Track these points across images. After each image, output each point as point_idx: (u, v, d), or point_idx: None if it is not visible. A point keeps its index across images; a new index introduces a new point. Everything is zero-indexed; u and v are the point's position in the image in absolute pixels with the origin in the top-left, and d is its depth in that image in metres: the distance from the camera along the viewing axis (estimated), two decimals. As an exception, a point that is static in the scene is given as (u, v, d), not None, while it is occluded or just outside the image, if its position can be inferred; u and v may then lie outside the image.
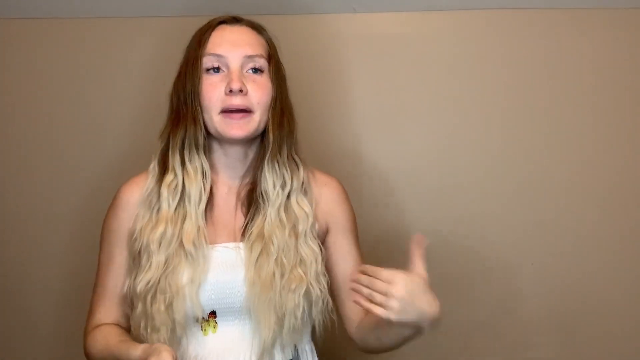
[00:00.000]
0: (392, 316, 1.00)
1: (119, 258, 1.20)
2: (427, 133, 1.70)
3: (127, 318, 1.21)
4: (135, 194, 1.20)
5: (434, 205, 1.70)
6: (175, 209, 1.15)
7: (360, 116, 1.69)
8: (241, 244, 1.17)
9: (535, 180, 1.69)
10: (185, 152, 1.16)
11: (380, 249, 1.66)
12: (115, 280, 1.20)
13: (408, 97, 1.69)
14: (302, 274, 1.14)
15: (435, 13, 1.68)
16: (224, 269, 1.14)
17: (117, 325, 1.20)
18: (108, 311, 1.21)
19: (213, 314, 1.15)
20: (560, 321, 1.70)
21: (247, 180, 1.22)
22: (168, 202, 1.15)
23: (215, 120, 1.15)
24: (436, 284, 1.68)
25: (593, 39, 1.68)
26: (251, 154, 1.21)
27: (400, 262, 1.67)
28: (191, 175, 1.16)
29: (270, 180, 1.17)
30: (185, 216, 1.15)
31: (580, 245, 1.69)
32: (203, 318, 1.15)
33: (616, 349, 1.70)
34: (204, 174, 1.17)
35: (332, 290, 1.23)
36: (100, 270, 1.22)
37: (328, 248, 1.24)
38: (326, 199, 1.24)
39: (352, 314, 1.22)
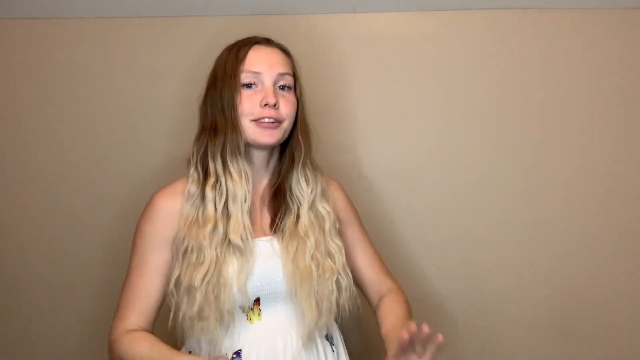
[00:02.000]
0: None
1: (152, 261, 1.26)
2: (427, 133, 1.70)
3: (154, 323, 1.27)
4: (169, 202, 1.28)
5: (433, 205, 1.70)
6: (222, 210, 1.25)
7: (360, 116, 1.69)
8: (273, 238, 1.30)
9: (536, 180, 1.69)
10: (227, 156, 1.26)
11: (380, 250, 1.66)
12: (149, 282, 1.26)
13: (408, 96, 1.69)
14: (332, 265, 1.29)
15: (435, 13, 1.68)
16: (264, 259, 1.26)
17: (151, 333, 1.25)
18: (139, 314, 1.25)
19: (257, 301, 1.26)
20: (559, 321, 1.70)
21: (270, 183, 1.34)
22: (214, 203, 1.25)
23: (248, 127, 1.27)
24: (436, 283, 1.70)
25: (593, 39, 1.68)
26: (272, 161, 1.34)
27: (399, 263, 1.70)
28: (235, 178, 1.26)
29: (303, 184, 1.32)
30: (230, 215, 1.25)
31: (580, 246, 1.69)
32: (248, 307, 1.25)
33: (616, 349, 1.70)
34: (247, 177, 1.28)
35: (358, 281, 1.40)
36: (132, 273, 1.27)
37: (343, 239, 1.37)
38: (337, 198, 1.40)
39: (371, 292, 1.40)
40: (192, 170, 1.28)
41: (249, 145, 1.29)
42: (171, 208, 1.27)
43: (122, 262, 1.63)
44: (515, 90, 1.69)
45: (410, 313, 1.33)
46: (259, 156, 1.32)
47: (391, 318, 1.29)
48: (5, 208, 1.69)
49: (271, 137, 1.27)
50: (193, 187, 1.26)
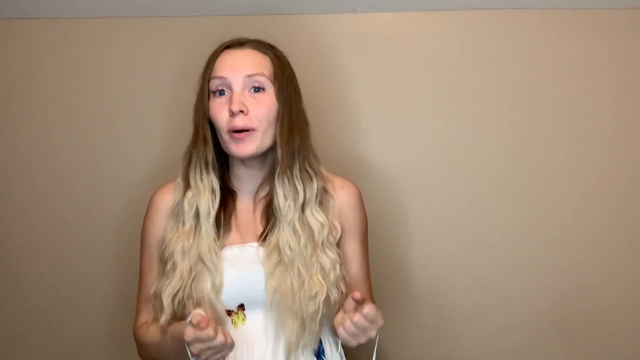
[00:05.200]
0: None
1: (157, 258, 1.28)
2: (427, 133, 1.70)
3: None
4: (165, 199, 1.29)
5: (434, 205, 1.70)
6: (196, 224, 1.24)
7: (360, 116, 1.69)
8: (260, 246, 1.25)
9: (536, 180, 1.69)
10: (196, 170, 1.25)
11: (384, 248, 1.66)
12: (157, 279, 1.28)
13: (408, 97, 1.69)
14: (322, 281, 1.21)
15: (435, 13, 1.68)
16: (249, 265, 1.23)
17: None
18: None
19: (241, 307, 1.23)
20: (559, 321, 1.70)
21: (265, 189, 1.30)
22: (189, 216, 1.24)
23: (225, 140, 1.23)
24: (436, 282, 1.70)
25: (593, 39, 1.67)
26: (267, 164, 1.29)
27: (403, 261, 1.70)
28: (201, 192, 1.24)
29: (281, 195, 1.24)
30: (202, 229, 1.24)
31: (580, 246, 1.69)
32: (233, 311, 1.23)
33: (616, 349, 1.70)
34: (213, 191, 1.25)
35: None
36: (143, 272, 1.31)
37: (340, 248, 1.30)
38: (343, 202, 1.31)
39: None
40: (178, 179, 1.28)
41: None
42: (167, 205, 1.28)
43: (122, 262, 1.64)
44: (515, 89, 1.68)
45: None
46: (250, 163, 1.27)
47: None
48: (6, 207, 1.69)
49: (244, 148, 1.21)
50: (179, 196, 1.27)
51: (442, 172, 1.70)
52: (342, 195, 1.31)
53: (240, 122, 1.20)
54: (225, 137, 1.23)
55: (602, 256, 1.69)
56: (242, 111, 1.20)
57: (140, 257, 1.32)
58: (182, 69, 1.63)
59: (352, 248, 1.32)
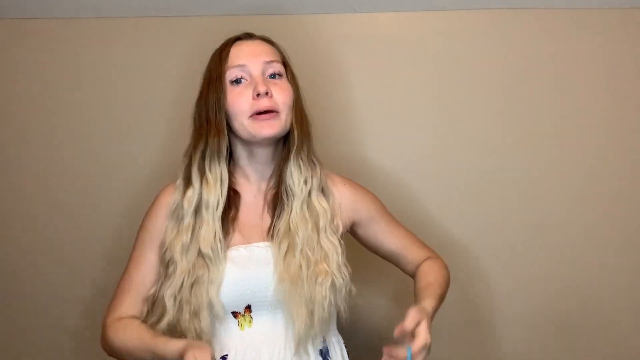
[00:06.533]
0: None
1: (149, 256, 1.27)
2: (427, 133, 1.70)
3: (146, 314, 1.26)
4: (170, 198, 1.28)
5: (433, 205, 1.70)
6: (195, 219, 1.24)
7: (361, 116, 1.69)
8: (269, 244, 1.25)
9: (536, 181, 1.69)
10: (205, 162, 1.24)
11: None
12: (143, 275, 1.26)
13: (408, 97, 1.69)
14: (326, 267, 1.22)
15: (435, 13, 1.68)
16: (257, 266, 1.22)
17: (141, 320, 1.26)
18: (132, 304, 1.26)
19: (248, 308, 1.22)
20: (560, 322, 1.70)
21: (272, 182, 1.30)
22: (188, 213, 1.24)
23: (246, 124, 1.23)
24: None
25: (593, 39, 1.68)
26: (277, 156, 1.30)
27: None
28: (210, 183, 1.24)
29: (295, 176, 1.26)
30: (202, 223, 1.23)
31: (580, 246, 1.69)
32: (239, 313, 1.22)
33: (616, 349, 1.70)
34: (222, 182, 1.25)
35: (391, 261, 1.39)
36: (130, 265, 1.29)
37: (367, 237, 1.36)
38: (347, 197, 1.33)
39: (410, 269, 1.39)
40: (178, 181, 1.27)
41: (251, 144, 1.26)
42: (171, 205, 1.27)
43: (123, 262, 1.64)
44: (514, 89, 1.69)
45: (442, 277, 1.32)
46: (263, 153, 1.28)
47: (420, 283, 1.30)
48: (4, 206, 1.69)
49: (270, 128, 1.22)
50: (178, 198, 1.25)
51: (441, 172, 1.70)
52: (346, 191, 1.34)
53: (265, 103, 1.22)
54: (245, 121, 1.23)
55: (602, 256, 1.69)
56: (267, 93, 1.22)
57: (133, 249, 1.30)
58: (183, 69, 1.63)
59: (384, 225, 1.36)
